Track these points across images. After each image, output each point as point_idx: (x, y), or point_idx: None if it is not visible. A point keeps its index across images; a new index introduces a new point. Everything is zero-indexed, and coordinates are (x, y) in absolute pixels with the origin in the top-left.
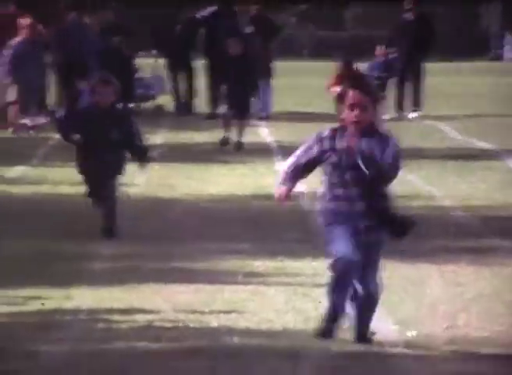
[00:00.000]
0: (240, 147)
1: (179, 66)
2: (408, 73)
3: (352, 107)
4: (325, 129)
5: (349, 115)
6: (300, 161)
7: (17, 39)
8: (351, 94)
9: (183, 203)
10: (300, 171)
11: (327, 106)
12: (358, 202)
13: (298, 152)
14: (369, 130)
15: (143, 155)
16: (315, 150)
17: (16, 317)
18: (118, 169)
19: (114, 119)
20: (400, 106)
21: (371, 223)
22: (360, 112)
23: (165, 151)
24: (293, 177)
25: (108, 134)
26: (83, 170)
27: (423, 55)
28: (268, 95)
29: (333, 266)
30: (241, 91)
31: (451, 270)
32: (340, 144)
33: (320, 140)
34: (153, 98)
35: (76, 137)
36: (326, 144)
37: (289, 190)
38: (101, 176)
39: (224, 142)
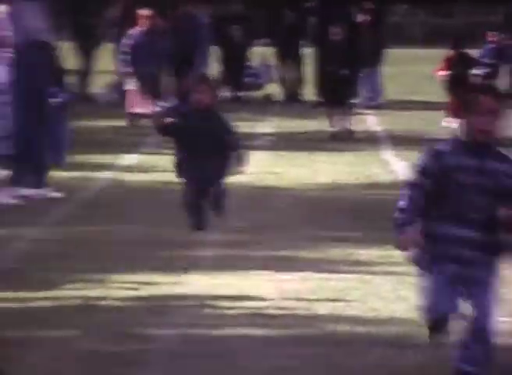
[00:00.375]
0: (350, 135)
1: (288, 54)
2: None
3: (483, 114)
4: (437, 144)
5: (478, 122)
6: (418, 200)
7: (137, 29)
8: (483, 99)
9: (290, 191)
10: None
11: (436, 95)
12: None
13: (408, 192)
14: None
15: (240, 159)
16: (434, 169)
17: (129, 301)
18: (220, 174)
19: (214, 121)
20: None
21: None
22: (494, 119)
23: (273, 140)
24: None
25: (207, 138)
26: (183, 175)
27: None
28: (377, 83)
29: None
30: (343, 79)
31: None
32: (466, 159)
33: (437, 155)
34: (261, 86)
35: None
36: (448, 161)
37: (415, 234)
38: (203, 183)
39: (333, 135)
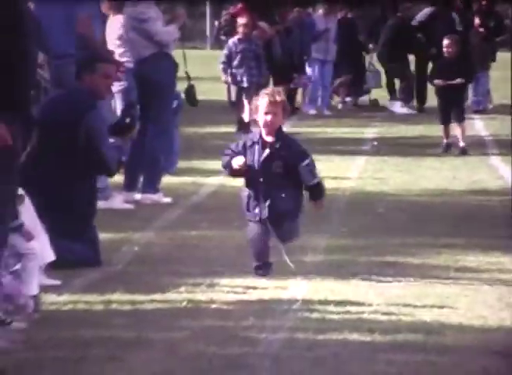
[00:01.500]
0: (463, 152)
1: (393, 60)
2: None
3: None
4: None
5: None
6: None
7: (234, 38)
8: None
9: (394, 197)
10: None
11: None
12: None
13: None
14: None
15: (318, 193)
16: None
17: (235, 305)
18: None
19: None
20: None
21: None
22: None
23: (378, 145)
24: None
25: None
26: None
27: None
28: (484, 88)
29: None
30: (457, 91)
31: None
32: None
33: None
34: (368, 92)
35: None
36: None
37: None
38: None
39: (447, 146)
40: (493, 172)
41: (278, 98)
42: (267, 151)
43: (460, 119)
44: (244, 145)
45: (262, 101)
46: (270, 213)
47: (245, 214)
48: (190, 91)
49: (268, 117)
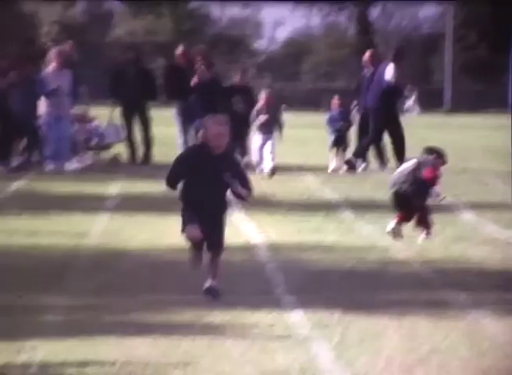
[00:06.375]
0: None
1: (135, 114)
2: None
3: None
4: None
5: None
6: None
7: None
8: None
9: (137, 254)
10: None
11: None
12: None
13: None
14: None
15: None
16: None
17: None
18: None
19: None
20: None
21: None
22: None
23: (121, 202)
24: None
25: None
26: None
27: None
28: None
29: None
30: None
31: (408, 323)
32: None
33: None
34: (108, 147)
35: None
36: None
37: None
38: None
39: None
40: (236, 229)
41: None
42: None
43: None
44: None
45: None
46: None
47: None
48: None
49: None
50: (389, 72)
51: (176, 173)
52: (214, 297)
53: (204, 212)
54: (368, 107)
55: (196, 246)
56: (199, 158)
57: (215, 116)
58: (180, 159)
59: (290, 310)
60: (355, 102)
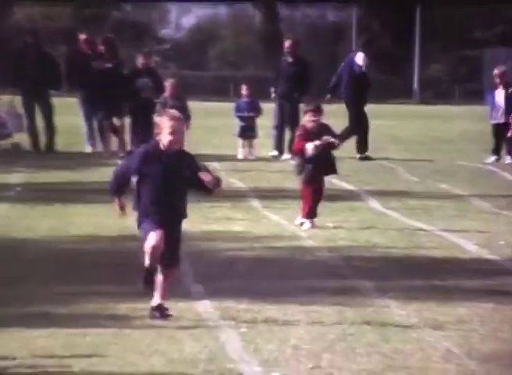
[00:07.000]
0: None
1: (36, 102)
2: None
3: None
4: None
5: None
6: None
7: None
8: None
9: (42, 244)
10: None
11: None
12: None
13: None
14: None
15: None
16: None
17: None
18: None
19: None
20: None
21: None
22: None
23: (22, 191)
24: None
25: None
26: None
27: None
28: None
29: None
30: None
31: (315, 310)
32: None
33: None
34: (9, 136)
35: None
36: None
37: None
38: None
39: None
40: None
41: None
42: None
43: None
44: None
45: None
46: None
47: None
48: None
49: None
50: (360, 60)
51: (123, 177)
52: (164, 317)
53: (163, 219)
54: (344, 99)
55: (154, 261)
56: (153, 159)
57: (167, 111)
58: (129, 163)
59: (198, 299)
60: (273, 89)
